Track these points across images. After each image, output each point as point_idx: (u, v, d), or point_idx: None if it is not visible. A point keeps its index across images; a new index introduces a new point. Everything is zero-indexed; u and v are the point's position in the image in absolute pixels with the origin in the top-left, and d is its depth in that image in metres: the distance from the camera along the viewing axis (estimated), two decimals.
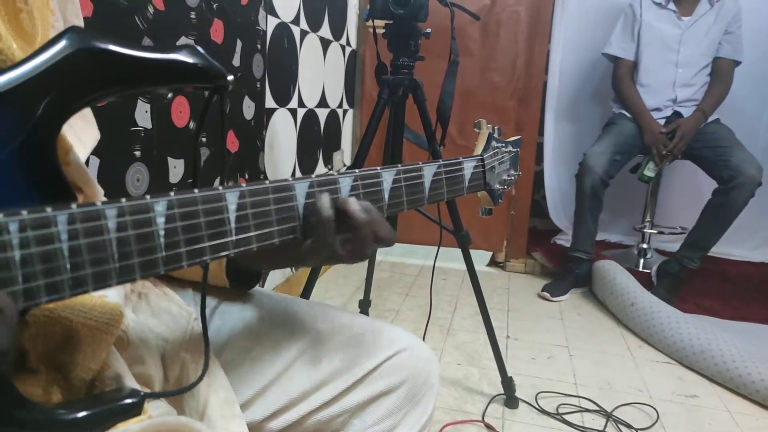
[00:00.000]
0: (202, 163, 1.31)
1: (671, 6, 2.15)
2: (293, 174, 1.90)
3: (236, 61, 1.42)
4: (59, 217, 0.32)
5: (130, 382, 0.39)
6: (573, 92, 2.65)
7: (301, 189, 0.44)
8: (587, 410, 1.38)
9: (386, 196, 0.51)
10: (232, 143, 1.44)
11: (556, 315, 2.02)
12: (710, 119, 2.12)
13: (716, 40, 2.12)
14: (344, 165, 2.49)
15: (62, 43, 0.34)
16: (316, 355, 0.52)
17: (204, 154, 1.32)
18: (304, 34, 1.85)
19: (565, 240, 2.57)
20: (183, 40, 1.18)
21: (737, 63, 2.14)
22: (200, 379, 0.40)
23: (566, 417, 1.34)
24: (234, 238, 0.40)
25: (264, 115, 1.61)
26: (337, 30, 2.18)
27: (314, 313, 0.55)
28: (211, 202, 0.39)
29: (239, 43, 1.42)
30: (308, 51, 1.90)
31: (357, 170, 0.49)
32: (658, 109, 2.17)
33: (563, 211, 2.65)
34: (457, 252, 1.38)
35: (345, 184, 0.48)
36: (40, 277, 0.31)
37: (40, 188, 0.33)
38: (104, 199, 0.35)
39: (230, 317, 0.53)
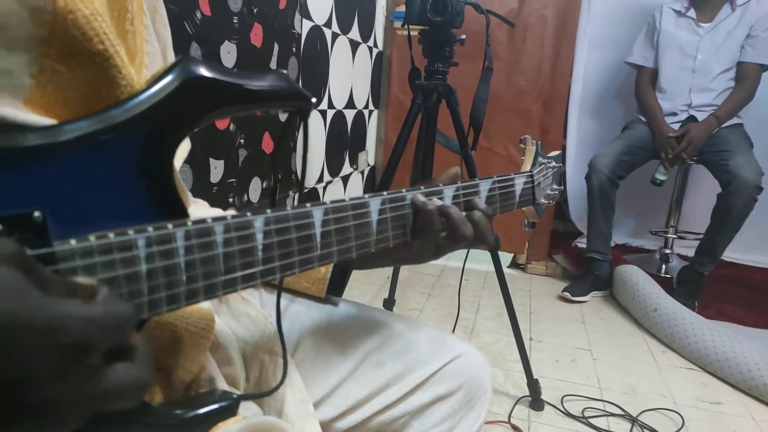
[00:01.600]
0: (239, 163, 1.35)
1: (691, 13, 2.17)
2: (321, 175, 1.93)
3: (273, 64, 1.45)
4: (177, 233, 0.35)
5: (221, 384, 0.42)
6: (596, 95, 2.65)
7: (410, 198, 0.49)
8: (612, 414, 1.40)
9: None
10: (268, 144, 1.48)
11: (578, 318, 2.03)
12: (731, 123, 2.12)
13: (738, 44, 2.11)
14: (368, 165, 2.52)
15: (175, 73, 0.37)
16: (380, 359, 0.55)
17: (241, 155, 1.35)
18: (335, 36, 1.87)
19: (585, 243, 2.58)
20: (226, 45, 1.21)
21: (764, 67, 2.13)
22: (282, 382, 0.43)
23: (592, 421, 1.36)
24: (318, 252, 0.43)
25: (297, 117, 1.64)
26: (366, 32, 2.20)
27: (375, 318, 0.58)
28: (301, 218, 0.42)
29: (276, 47, 1.45)
30: (339, 53, 1.93)
31: (422, 186, 0.52)
32: (673, 114, 2.19)
33: (585, 214, 2.65)
34: (479, 253, 1.40)
35: (409, 198, 0.51)
36: (162, 290, 0.34)
37: (157, 204, 0.36)
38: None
39: (299, 319, 0.56)
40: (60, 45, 0.33)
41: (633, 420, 1.37)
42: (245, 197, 1.40)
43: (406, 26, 1.36)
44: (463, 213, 0.51)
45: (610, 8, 2.52)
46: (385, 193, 0.48)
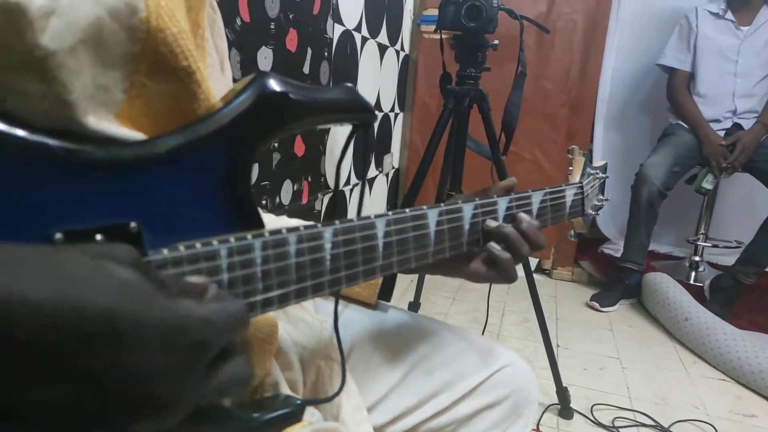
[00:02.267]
0: (273, 166, 1.36)
1: (729, 16, 2.12)
2: (348, 177, 1.95)
3: (306, 69, 1.46)
4: (256, 243, 0.36)
5: (284, 388, 0.43)
6: (624, 101, 2.62)
7: (468, 210, 0.50)
8: (644, 425, 1.38)
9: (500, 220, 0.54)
10: (299, 147, 1.49)
11: (605, 325, 2.01)
12: None
13: None
14: (393, 167, 2.53)
15: (252, 89, 0.38)
16: (429, 367, 0.55)
17: (275, 159, 1.37)
18: (364, 40, 1.89)
19: (612, 249, 2.55)
20: (263, 50, 1.23)
21: None
22: (341, 389, 0.44)
23: (623, 431, 1.35)
24: (380, 263, 0.44)
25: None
26: (393, 35, 2.21)
27: (424, 326, 0.59)
28: (366, 229, 0.43)
29: (309, 51, 1.46)
30: (367, 57, 1.94)
31: (476, 198, 0.53)
32: (717, 121, 2.14)
33: (611, 220, 2.62)
34: None
35: (468, 210, 0.51)
36: (240, 298, 0.35)
37: (236, 214, 0.37)
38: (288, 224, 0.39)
39: (352, 325, 0.57)
40: (150, 61, 0.34)
41: (665, 431, 1.36)
42: (277, 199, 1.42)
43: (438, 31, 1.37)
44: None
45: (639, 13, 2.49)
46: (442, 204, 0.49)
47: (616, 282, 2.20)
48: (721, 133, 2.10)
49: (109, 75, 0.32)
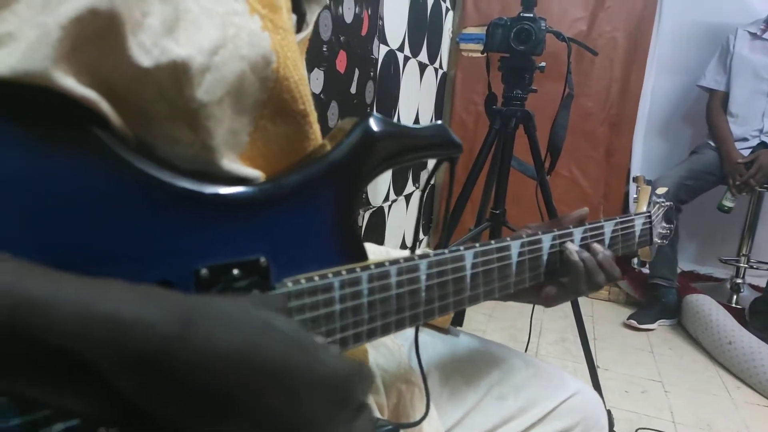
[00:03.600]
0: None
1: (767, 36, 2.10)
2: (386, 195, 1.97)
3: (353, 89, 1.50)
4: (363, 275, 0.38)
5: (374, 412, 0.45)
6: (663, 118, 2.59)
7: (546, 241, 0.51)
8: None
9: None
10: None
11: (645, 347, 1.98)
12: None
13: None
14: (429, 184, 2.55)
15: (359, 130, 0.40)
16: (502, 393, 0.57)
17: None
18: (406, 59, 1.92)
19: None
20: (315, 72, 1.27)
21: None
22: (426, 414, 0.46)
23: None
24: (468, 294, 0.46)
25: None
26: (433, 54, 2.24)
27: (494, 352, 0.60)
28: (456, 261, 0.44)
29: (357, 72, 1.50)
30: (409, 75, 1.97)
31: (555, 229, 0.54)
32: (744, 139, 2.13)
33: None
34: None
35: (547, 241, 0.53)
36: (350, 328, 0.37)
37: (343, 248, 0.40)
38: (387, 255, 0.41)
39: (426, 350, 0.59)
40: (273, 107, 0.37)
41: None
42: None
43: (485, 53, 1.39)
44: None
45: (679, 30, 2.47)
46: (524, 235, 0.50)
47: (653, 301, 2.17)
48: (747, 152, 2.09)
49: (240, 121, 0.35)
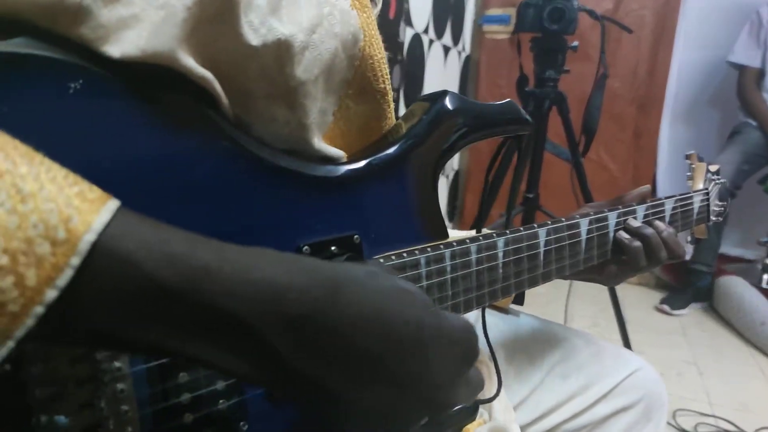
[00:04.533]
0: None
1: None
2: None
3: None
4: (446, 252, 0.38)
5: None
6: (692, 96, 2.54)
7: (612, 219, 0.51)
8: (727, 431, 1.35)
9: None
10: None
11: (677, 330, 1.96)
12: None
13: None
14: (452, 169, 2.54)
15: (436, 108, 0.40)
16: (565, 371, 0.57)
17: None
18: (431, 42, 1.90)
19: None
20: None
21: None
22: (498, 390, 0.46)
23: None
24: (542, 271, 0.46)
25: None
26: (456, 36, 2.22)
27: (555, 331, 0.60)
28: (531, 238, 0.44)
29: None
30: (433, 59, 1.96)
31: (620, 207, 0.54)
32: None
33: None
34: None
35: (612, 218, 0.52)
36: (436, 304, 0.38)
37: (426, 225, 0.40)
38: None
39: (490, 330, 0.58)
40: (357, 85, 0.37)
41: None
42: None
43: (516, 34, 1.37)
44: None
45: (707, 6, 2.40)
46: (591, 213, 0.50)
47: (687, 285, 2.14)
48: None
49: (328, 100, 0.35)
